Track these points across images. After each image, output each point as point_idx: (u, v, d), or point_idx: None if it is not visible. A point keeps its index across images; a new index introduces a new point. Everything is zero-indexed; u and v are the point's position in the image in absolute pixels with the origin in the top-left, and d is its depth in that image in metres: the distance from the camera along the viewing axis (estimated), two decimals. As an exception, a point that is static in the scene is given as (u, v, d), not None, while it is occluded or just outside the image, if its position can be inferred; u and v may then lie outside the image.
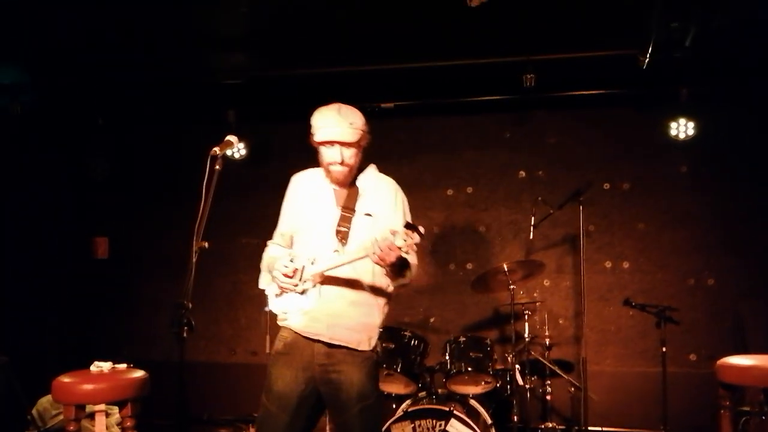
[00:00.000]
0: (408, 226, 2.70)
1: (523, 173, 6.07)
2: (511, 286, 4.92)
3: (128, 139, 6.68)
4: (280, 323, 3.14)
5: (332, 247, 3.03)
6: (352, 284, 3.04)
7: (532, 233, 5.30)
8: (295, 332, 3.06)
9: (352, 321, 3.03)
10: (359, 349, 3.04)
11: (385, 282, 3.11)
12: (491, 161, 6.13)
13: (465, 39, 4.91)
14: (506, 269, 4.87)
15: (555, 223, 5.69)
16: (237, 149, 5.87)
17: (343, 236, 3.04)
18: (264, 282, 3.24)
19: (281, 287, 3.04)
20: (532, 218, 5.30)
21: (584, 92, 5.72)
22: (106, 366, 3.91)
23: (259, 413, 3.09)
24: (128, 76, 5.52)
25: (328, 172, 3.11)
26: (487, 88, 5.81)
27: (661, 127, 5.64)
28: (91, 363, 3.93)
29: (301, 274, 2.99)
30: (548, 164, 6.01)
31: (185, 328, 2.69)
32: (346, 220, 3.06)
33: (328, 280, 3.01)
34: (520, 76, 5.07)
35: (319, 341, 3.01)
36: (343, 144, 3.00)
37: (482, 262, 6.00)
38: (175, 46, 5.07)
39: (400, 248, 2.70)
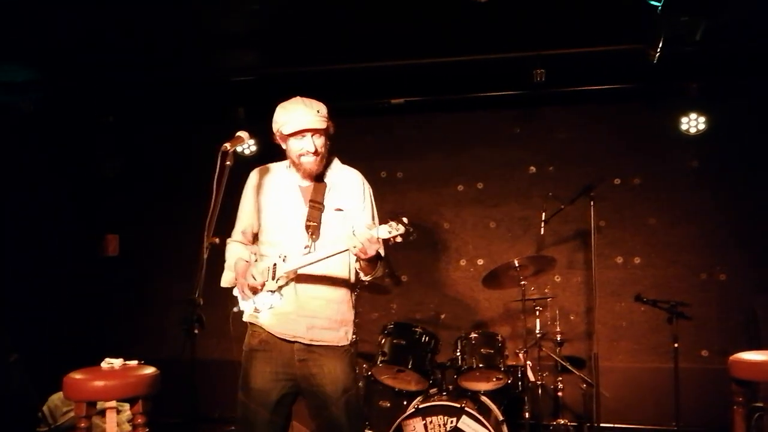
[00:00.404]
0: (393, 217, 2.70)
1: (533, 169, 6.06)
2: (522, 282, 4.90)
3: (139, 137, 6.69)
4: (248, 320, 3.13)
5: (303, 243, 3.01)
6: (329, 281, 3.05)
7: (543, 229, 5.30)
8: (270, 332, 3.05)
9: (329, 321, 3.04)
10: (339, 344, 3.07)
11: (357, 275, 3.13)
12: (501, 157, 6.11)
13: (474, 35, 4.90)
14: (517, 265, 4.85)
15: (566, 219, 5.67)
16: (248, 145, 5.85)
17: (313, 231, 3.02)
18: (227, 280, 3.22)
19: (249, 290, 3.03)
20: (543, 214, 5.29)
21: (594, 87, 5.67)
22: (117, 363, 3.91)
23: (238, 411, 3.07)
24: (138, 75, 5.52)
25: (298, 165, 3.08)
26: (497, 84, 5.78)
27: (672, 122, 5.62)
28: (102, 360, 3.93)
29: (274, 271, 2.96)
30: (558, 160, 6.00)
31: (196, 324, 2.68)
32: (315, 214, 3.05)
33: (303, 278, 3.00)
34: (530, 71, 5.05)
35: (297, 342, 3.01)
36: (314, 132, 3.00)
37: (493, 257, 5.98)
38: (184, 44, 5.07)
39: (379, 240, 2.70)
